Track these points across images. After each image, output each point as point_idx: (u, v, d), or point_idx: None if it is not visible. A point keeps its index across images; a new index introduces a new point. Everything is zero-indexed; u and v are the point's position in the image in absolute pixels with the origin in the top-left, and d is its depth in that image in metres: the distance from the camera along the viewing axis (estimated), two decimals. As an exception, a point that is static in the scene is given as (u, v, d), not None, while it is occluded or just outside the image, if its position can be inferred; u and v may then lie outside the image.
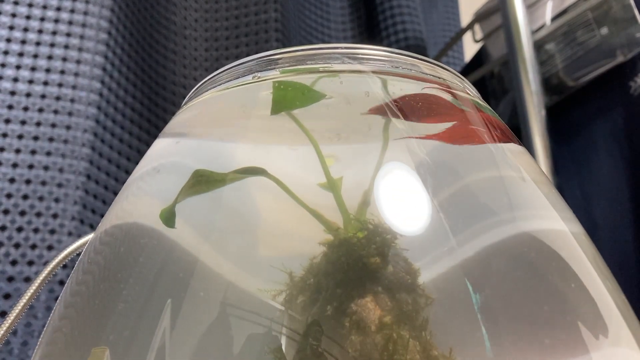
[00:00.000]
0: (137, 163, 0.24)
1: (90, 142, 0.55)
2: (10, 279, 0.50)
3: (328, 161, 0.18)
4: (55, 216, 0.52)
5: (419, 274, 0.16)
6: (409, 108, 0.20)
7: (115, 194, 0.48)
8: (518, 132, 0.58)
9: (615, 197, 0.53)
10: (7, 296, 0.49)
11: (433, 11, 1.01)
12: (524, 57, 0.59)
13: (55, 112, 0.55)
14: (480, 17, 0.76)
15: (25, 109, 0.54)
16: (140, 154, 0.62)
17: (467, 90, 0.23)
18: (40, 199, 0.52)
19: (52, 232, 0.52)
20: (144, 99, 0.65)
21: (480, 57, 0.78)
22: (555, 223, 0.20)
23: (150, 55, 0.68)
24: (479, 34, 0.78)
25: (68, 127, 0.55)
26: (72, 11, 0.58)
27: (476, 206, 0.19)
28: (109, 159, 0.58)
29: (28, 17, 0.57)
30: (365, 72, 0.21)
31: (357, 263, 0.16)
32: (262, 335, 0.15)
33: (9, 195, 0.52)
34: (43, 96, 0.55)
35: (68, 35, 0.57)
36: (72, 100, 0.55)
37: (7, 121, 0.53)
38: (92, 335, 0.17)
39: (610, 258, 0.22)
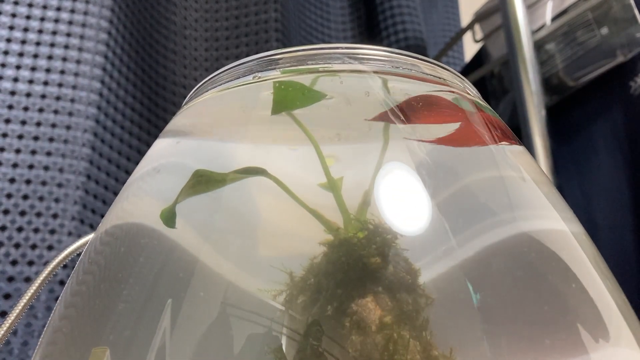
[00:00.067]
0: (137, 163, 0.24)
1: (90, 142, 0.55)
2: (11, 279, 0.50)
3: (328, 161, 0.18)
4: (55, 216, 0.52)
5: (419, 274, 0.16)
6: (410, 109, 0.20)
7: (115, 194, 0.48)
8: (518, 132, 0.58)
9: (615, 197, 0.53)
10: (7, 296, 0.49)
11: (433, 11, 1.01)
12: (524, 57, 0.59)
13: (56, 112, 0.55)
14: (480, 17, 0.76)
15: (26, 109, 0.54)
16: (140, 154, 0.62)
17: (468, 90, 0.23)
18: (40, 199, 0.52)
19: (52, 232, 0.52)
20: (144, 99, 0.65)
21: (480, 57, 0.78)
22: (555, 223, 0.20)
23: (150, 55, 0.68)
24: (479, 34, 0.78)
25: (68, 127, 0.55)
26: (72, 11, 0.58)
27: (476, 206, 0.19)
28: (109, 159, 0.58)
29: (28, 17, 0.57)
30: (366, 72, 0.21)
31: (358, 263, 0.16)
32: (262, 335, 0.15)
33: (9, 195, 0.52)
34: (43, 96, 0.55)
35: (68, 35, 0.57)
36: (72, 100, 0.55)
37: (7, 121, 0.53)
38: (92, 335, 0.17)
39: (610, 258, 0.22)
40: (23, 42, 0.56)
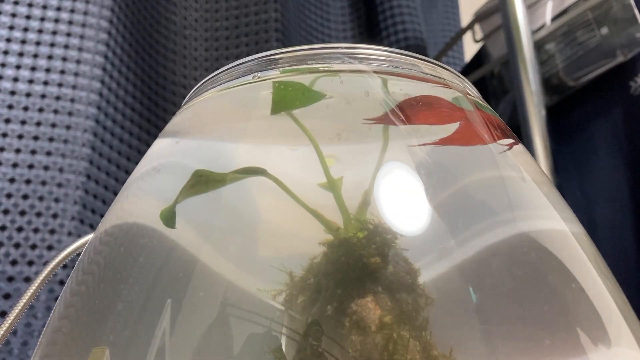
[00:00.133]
0: (137, 163, 0.24)
1: (90, 142, 0.55)
2: (10, 279, 0.50)
3: (328, 161, 0.18)
4: (55, 216, 0.52)
5: (419, 274, 0.16)
6: (410, 110, 0.20)
7: (115, 194, 0.48)
8: (518, 132, 0.58)
9: (615, 197, 0.53)
10: (7, 296, 0.49)
11: (433, 11, 1.01)
12: (524, 57, 0.59)
13: (55, 112, 0.55)
14: (480, 17, 0.76)
15: (25, 108, 0.54)
16: (140, 154, 0.62)
17: (468, 90, 0.23)
18: (40, 198, 0.52)
19: (52, 232, 0.52)
20: (144, 99, 0.65)
21: (480, 57, 0.78)
22: (555, 223, 0.20)
23: (150, 55, 0.68)
24: (479, 34, 0.78)
25: (68, 127, 0.55)
26: (72, 11, 0.58)
27: (476, 206, 0.19)
28: (109, 159, 0.58)
29: (28, 17, 0.57)
30: (366, 72, 0.21)
31: (357, 263, 0.16)
32: (262, 335, 0.15)
33: (9, 195, 0.52)
34: (43, 96, 0.55)
35: (68, 35, 0.57)
36: (72, 100, 0.55)
37: (7, 121, 0.53)
38: (92, 335, 0.17)
39: (610, 258, 0.22)
40: (23, 42, 0.56)
